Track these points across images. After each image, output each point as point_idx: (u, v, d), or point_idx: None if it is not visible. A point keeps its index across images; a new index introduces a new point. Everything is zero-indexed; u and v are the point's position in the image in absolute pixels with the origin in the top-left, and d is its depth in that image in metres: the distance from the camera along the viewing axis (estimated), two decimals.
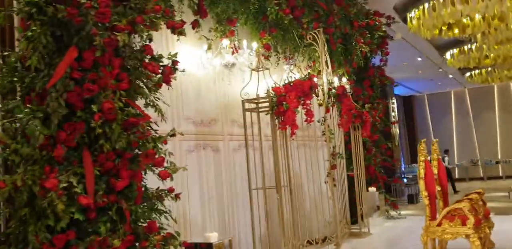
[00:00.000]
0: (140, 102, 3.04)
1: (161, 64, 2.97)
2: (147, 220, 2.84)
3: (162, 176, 2.84)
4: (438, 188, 4.64)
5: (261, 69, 4.08)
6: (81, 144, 2.59)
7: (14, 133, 2.52)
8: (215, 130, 4.55)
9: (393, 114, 14.47)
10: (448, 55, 11.12)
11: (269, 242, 4.16)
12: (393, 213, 7.34)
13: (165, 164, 3.05)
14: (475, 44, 10.32)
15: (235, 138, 4.60)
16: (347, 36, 6.25)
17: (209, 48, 4.04)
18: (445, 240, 4.12)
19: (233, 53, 4.23)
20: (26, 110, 2.51)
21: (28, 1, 2.52)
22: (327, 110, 5.02)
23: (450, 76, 14.92)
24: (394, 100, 14.72)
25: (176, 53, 3.02)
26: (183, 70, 3.17)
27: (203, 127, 4.40)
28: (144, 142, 3.03)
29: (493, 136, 17.57)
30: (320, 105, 5.01)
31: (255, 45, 4.22)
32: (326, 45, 5.28)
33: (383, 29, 7.01)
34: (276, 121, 3.99)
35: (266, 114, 4.06)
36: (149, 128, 3.06)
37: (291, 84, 4.26)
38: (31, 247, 2.41)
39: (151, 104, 3.08)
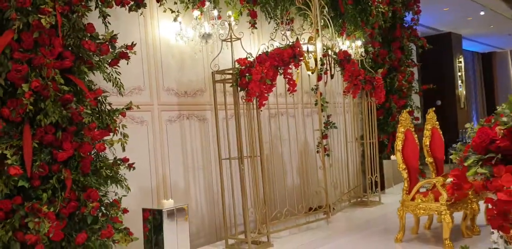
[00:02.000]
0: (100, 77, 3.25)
1: (98, 41, 3.11)
2: (95, 188, 3.11)
3: (98, 149, 3.05)
4: (430, 159, 4.41)
5: (230, 39, 4.03)
6: (25, 119, 2.85)
7: None
8: (202, 100, 4.66)
9: (459, 74, 13.44)
10: None
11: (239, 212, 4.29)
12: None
13: (119, 136, 3.30)
14: None
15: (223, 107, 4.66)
16: None
17: (175, 20, 4.07)
18: (418, 215, 3.95)
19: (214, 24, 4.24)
20: None
21: None
22: (318, 78, 4.85)
23: None
24: (462, 59, 13.58)
25: (113, 32, 3.12)
26: (134, 52, 3.28)
27: (186, 98, 4.53)
28: (99, 116, 3.27)
29: None
30: (311, 72, 4.86)
31: (230, 13, 4.15)
32: (326, 8, 5.02)
33: None
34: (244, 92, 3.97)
35: (230, 86, 4.06)
36: (103, 102, 3.29)
37: (267, 53, 4.18)
38: None
39: (109, 78, 3.28)
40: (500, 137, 1.82)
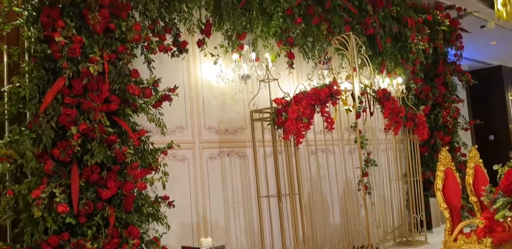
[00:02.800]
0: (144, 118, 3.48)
1: (142, 86, 3.36)
2: (137, 226, 3.26)
3: (139, 187, 3.21)
4: (474, 198, 4.25)
5: (267, 80, 4.20)
6: (73, 160, 3.08)
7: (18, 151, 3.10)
8: (242, 138, 4.80)
9: None
10: None
11: None
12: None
13: (159, 174, 3.47)
14: None
15: (266, 144, 4.78)
16: (401, 34, 5.93)
17: (215, 63, 4.29)
18: None
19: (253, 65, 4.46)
20: (25, 131, 3.07)
21: (27, 37, 3.08)
22: (357, 116, 4.88)
23: None
24: None
25: (156, 77, 3.36)
26: (177, 94, 3.50)
27: (227, 135, 4.68)
28: (141, 155, 3.48)
29: None
30: (349, 111, 4.91)
31: (267, 56, 4.35)
32: (364, 47, 5.13)
33: (447, 23, 6.44)
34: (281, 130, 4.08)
35: (268, 125, 4.18)
36: (146, 141, 3.50)
37: (304, 93, 4.30)
38: (25, 245, 2.96)
39: (152, 119, 3.51)
40: None
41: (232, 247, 4.42)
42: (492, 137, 12.58)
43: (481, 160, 4.38)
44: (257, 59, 4.53)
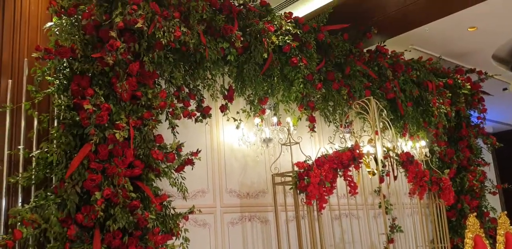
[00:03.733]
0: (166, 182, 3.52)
1: (165, 151, 3.43)
2: None
3: None
4: None
5: (289, 143, 4.24)
6: (96, 225, 3.09)
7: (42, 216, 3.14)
8: (264, 202, 4.74)
9: None
10: None
11: None
12: None
13: (180, 240, 3.43)
14: None
15: (288, 208, 4.70)
16: (422, 98, 5.99)
17: (237, 127, 4.37)
18: None
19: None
20: (51, 196, 3.12)
21: (57, 105, 3.24)
22: (380, 180, 4.81)
23: None
24: None
25: (179, 142, 3.44)
26: (199, 158, 3.56)
27: (249, 199, 4.64)
28: (163, 220, 3.47)
29: None
30: (372, 175, 4.85)
31: (288, 120, 4.42)
32: (385, 111, 5.18)
33: (468, 87, 6.50)
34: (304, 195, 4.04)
35: (290, 189, 4.15)
36: (168, 206, 3.50)
37: (326, 156, 4.30)
38: None
39: (174, 183, 3.54)
40: None
41: None
42: None
43: (511, 226, 4.19)
44: (279, 123, 4.61)
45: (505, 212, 4.22)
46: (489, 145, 6.92)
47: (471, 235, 3.83)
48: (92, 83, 3.27)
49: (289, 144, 4.26)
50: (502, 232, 4.07)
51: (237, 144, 4.60)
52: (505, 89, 8.26)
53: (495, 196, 7.36)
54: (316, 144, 5.28)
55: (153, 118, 3.39)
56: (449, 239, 5.69)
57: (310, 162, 4.22)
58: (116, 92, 3.25)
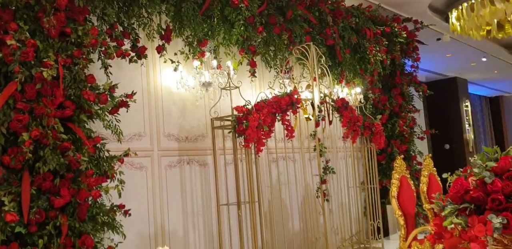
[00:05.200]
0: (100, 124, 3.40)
1: (97, 92, 3.28)
2: (91, 235, 3.16)
3: (93, 196, 3.12)
4: (427, 206, 4.38)
5: (229, 88, 4.20)
6: (25, 167, 2.96)
7: None
8: (203, 146, 4.76)
9: (466, 118, 13.50)
10: None
11: None
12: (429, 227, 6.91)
13: (115, 182, 3.39)
14: None
15: (227, 152, 4.75)
16: (360, 46, 6.09)
17: (175, 70, 4.26)
18: None
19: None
20: None
21: None
22: (316, 124, 4.96)
23: None
24: (468, 103, 13.69)
25: (112, 82, 3.30)
26: (134, 100, 3.44)
27: (187, 143, 4.63)
28: (97, 163, 3.38)
29: None
30: (308, 119, 4.97)
31: (229, 63, 4.35)
32: (324, 57, 5.22)
33: (404, 35, 6.67)
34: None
35: (229, 132, 4.18)
36: (102, 149, 3.42)
37: (265, 101, 4.33)
38: None
39: (108, 126, 3.43)
40: (473, 187, 1.87)
41: None
42: (447, 146, 13.06)
43: (435, 168, 4.52)
44: (219, 66, 4.53)
45: (430, 154, 4.52)
46: (420, 93, 7.26)
47: (397, 176, 4.09)
48: (16, 17, 3.00)
49: (229, 88, 4.22)
50: (426, 173, 4.38)
51: (175, 88, 4.50)
52: (439, 39, 8.55)
53: (422, 141, 7.87)
54: (256, 89, 5.28)
55: (84, 56, 3.20)
56: (378, 180, 6.09)
57: (249, 107, 4.23)
58: (43, 28, 3.01)
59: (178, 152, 4.53)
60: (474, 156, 1.94)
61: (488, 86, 15.57)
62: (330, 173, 5.14)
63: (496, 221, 1.73)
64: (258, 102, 4.31)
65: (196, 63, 4.35)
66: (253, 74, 4.82)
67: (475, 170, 1.88)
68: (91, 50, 3.28)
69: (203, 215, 4.57)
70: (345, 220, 5.75)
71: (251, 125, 3.97)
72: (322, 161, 5.16)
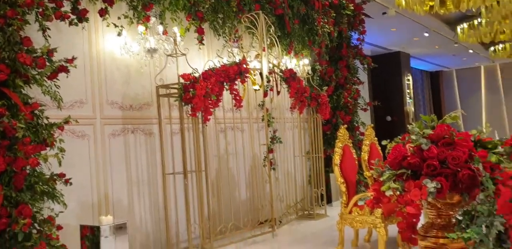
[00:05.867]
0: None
1: (35, 55, 3.09)
2: (29, 204, 3.05)
3: (31, 164, 2.99)
4: (368, 173, 4.57)
5: (175, 55, 4.09)
6: None
7: None
8: (149, 114, 4.65)
9: (408, 91, 14.03)
10: (458, 29, 10.55)
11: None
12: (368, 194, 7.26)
13: (55, 151, 3.25)
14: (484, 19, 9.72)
15: (173, 121, 4.66)
16: (308, 17, 6.08)
17: (119, 34, 4.08)
18: (355, 228, 4.08)
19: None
20: None
21: None
22: (264, 94, 4.97)
23: (470, 51, 14.18)
24: (410, 77, 14.21)
25: (50, 46, 3.11)
26: (75, 65, 3.26)
27: (132, 112, 4.51)
28: (35, 130, 3.22)
29: None
30: (257, 89, 4.98)
31: (175, 30, 4.22)
32: (273, 27, 5.18)
33: (351, 8, 6.74)
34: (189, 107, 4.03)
35: (175, 101, 4.11)
36: (40, 116, 3.25)
37: (213, 69, 4.26)
38: None
39: (47, 91, 3.25)
40: (410, 154, 1.94)
41: (136, 225, 4.33)
42: (389, 118, 13.59)
43: (376, 138, 4.69)
44: (165, 32, 4.38)
45: (372, 125, 4.68)
46: (365, 66, 7.43)
47: (340, 145, 4.21)
48: None
49: (175, 55, 4.11)
50: (368, 143, 4.53)
51: (119, 53, 4.32)
52: (384, 13, 8.68)
53: (366, 112, 8.12)
54: (204, 57, 5.18)
55: (19, 17, 2.99)
56: (323, 150, 6.25)
57: (196, 75, 4.16)
58: None
59: (122, 120, 4.41)
60: (412, 123, 2.02)
61: (429, 61, 16.19)
62: (277, 143, 5.21)
63: (431, 185, 1.82)
64: (205, 70, 4.25)
65: (141, 28, 4.18)
66: (200, 41, 4.71)
67: (413, 137, 1.96)
68: (27, 11, 3.06)
69: (149, 184, 4.53)
70: (290, 188, 5.91)
71: (198, 93, 3.91)
72: (270, 131, 5.21)
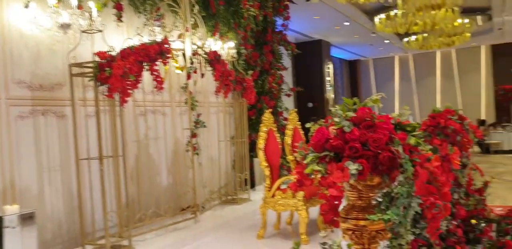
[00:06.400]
0: None
1: None
2: None
3: None
4: (291, 157, 4.61)
5: (91, 31, 3.80)
6: None
7: None
8: (61, 95, 4.31)
9: (328, 78, 14.45)
10: (376, 20, 10.96)
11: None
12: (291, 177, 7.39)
13: None
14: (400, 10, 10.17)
15: (88, 103, 4.35)
16: None
17: (27, 6, 3.71)
18: (278, 211, 4.12)
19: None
20: None
21: None
22: (188, 77, 4.81)
23: (386, 41, 14.89)
24: (330, 65, 14.63)
25: None
26: None
27: (42, 92, 4.15)
28: None
29: (432, 101, 17.94)
30: (180, 71, 4.80)
31: (91, 4, 3.90)
32: (197, 6, 4.99)
33: None
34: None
35: (90, 81, 3.84)
36: None
37: (132, 48, 4.02)
38: None
39: None
40: (333, 136, 1.93)
41: (47, 215, 4.03)
42: (311, 105, 13.95)
43: (299, 122, 4.73)
44: (80, 7, 4.04)
45: (296, 109, 4.71)
46: (289, 52, 7.47)
47: (265, 129, 4.19)
48: None
49: (91, 31, 3.81)
50: (291, 127, 4.55)
51: (27, 28, 3.93)
52: (308, 0, 8.79)
53: (289, 98, 8.22)
54: (122, 35, 4.87)
55: None
56: (248, 135, 6.24)
57: (113, 53, 3.90)
58: None
59: (31, 101, 4.04)
60: (336, 106, 2.00)
61: (348, 50, 16.79)
62: (201, 127, 5.08)
63: (353, 167, 1.81)
64: (124, 48, 3.99)
65: (52, 0, 3.82)
66: (119, 18, 4.43)
67: (336, 119, 1.94)
68: None
69: (61, 170, 4.22)
70: (214, 173, 5.83)
71: (115, 73, 3.67)
72: (194, 115, 5.06)
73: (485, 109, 17.32)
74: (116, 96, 3.91)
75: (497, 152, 12.97)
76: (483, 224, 3.45)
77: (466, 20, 11.07)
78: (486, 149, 13.20)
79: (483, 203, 3.84)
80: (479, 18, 12.80)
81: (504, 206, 5.24)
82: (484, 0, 10.85)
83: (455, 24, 10.88)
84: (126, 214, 4.07)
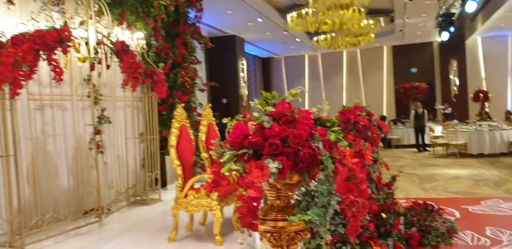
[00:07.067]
0: None
1: None
2: None
3: None
4: (205, 155, 4.43)
5: None
6: None
7: None
8: None
9: (242, 75, 14.43)
10: (288, 17, 11.10)
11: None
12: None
13: None
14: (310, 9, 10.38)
15: None
16: None
17: None
18: (191, 212, 3.92)
19: None
20: None
21: None
22: (91, 68, 4.41)
23: (297, 39, 15.22)
24: (244, 61, 14.62)
25: None
26: None
27: None
28: None
29: (339, 98, 18.72)
30: (82, 61, 4.38)
31: None
32: None
33: None
34: None
35: None
36: None
37: (25, 34, 3.56)
38: None
39: None
40: (252, 132, 1.78)
41: None
42: (225, 101, 13.84)
43: (214, 118, 4.55)
44: None
45: (210, 105, 4.52)
46: (202, 45, 7.25)
47: (177, 125, 3.95)
48: None
49: None
50: (205, 123, 4.36)
51: None
52: None
53: (203, 93, 8.00)
54: (15, 19, 4.33)
55: None
56: (159, 131, 5.92)
57: (3, 39, 3.43)
58: None
59: None
60: (254, 100, 1.86)
61: (261, 47, 16.94)
62: (105, 123, 4.69)
63: (273, 165, 1.69)
64: (16, 35, 3.53)
65: None
66: (10, 1, 3.91)
67: (255, 114, 1.80)
68: None
69: None
70: (121, 172, 5.45)
71: (4, 61, 3.22)
72: (97, 110, 4.66)
73: (386, 106, 18.48)
74: (6, 88, 3.44)
75: (397, 146, 13.85)
76: (392, 218, 3.55)
77: (371, 21, 11.64)
78: (388, 144, 14.03)
79: (392, 196, 3.96)
80: (382, 19, 13.55)
81: (407, 198, 5.52)
82: (387, 2, 11.46)
83: (361, 24, 11.37)
84: (18, 221, 3.62)
